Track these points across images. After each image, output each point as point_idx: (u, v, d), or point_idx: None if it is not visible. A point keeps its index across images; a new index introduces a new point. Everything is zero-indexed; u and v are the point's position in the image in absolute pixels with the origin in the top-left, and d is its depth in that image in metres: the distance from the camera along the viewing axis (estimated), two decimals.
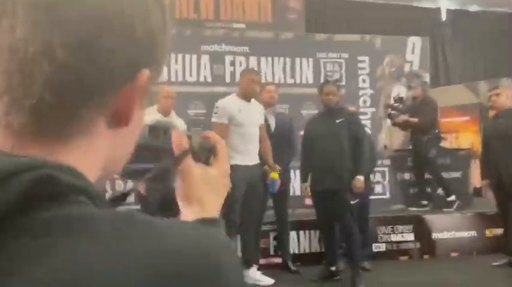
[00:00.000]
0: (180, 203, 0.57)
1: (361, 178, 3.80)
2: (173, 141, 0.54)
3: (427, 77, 6.79)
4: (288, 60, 6.15)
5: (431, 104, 5.41)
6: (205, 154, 0.57)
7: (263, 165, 3.97)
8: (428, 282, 4.07)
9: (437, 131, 5.38)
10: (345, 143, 3.81)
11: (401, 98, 5.49)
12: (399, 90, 6.01)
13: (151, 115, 3.88)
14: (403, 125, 5.43)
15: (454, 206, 5.10)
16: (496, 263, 4.36)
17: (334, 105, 3.91)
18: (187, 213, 0.56)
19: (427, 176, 5.38)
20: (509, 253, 4.36)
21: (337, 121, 3.86)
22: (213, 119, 3.91)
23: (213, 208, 0.57)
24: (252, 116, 3.87)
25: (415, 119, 5.24)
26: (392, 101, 5.66)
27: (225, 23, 6.93)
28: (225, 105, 3.87)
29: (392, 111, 5.40)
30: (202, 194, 0.56)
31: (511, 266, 4.32)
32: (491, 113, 5.47)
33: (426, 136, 5.21)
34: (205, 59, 5.93)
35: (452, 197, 5.13)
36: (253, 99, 3.97)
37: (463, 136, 6.98)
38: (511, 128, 4.07)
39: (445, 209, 5.10)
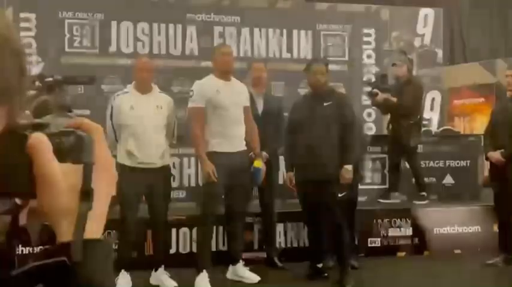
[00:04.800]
0: (50, 221, 0.51)
1: (349, 167, 3.74)
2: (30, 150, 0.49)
3: (439, 53, 6.62)
4: (284, 32, 6.01)
5: (416, 86, 5.21)
6: (74, 149, 0.51)
7: (250, 152, 3.91)
8: (420, 282, 4.04)
9: (419, 117, 5.21)
10: (332, 128, 3.74)
11: (385, 75, 5.30)
12: None
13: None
14: (383, 106, 5.22)
15: (425, 201, 5.08)
16: (490, 262, 4.32)
17: (322, 86, 3.84)
18: (61, 232, 0.50)
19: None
20: (502, 248, 4.32)
21: (325, 104, 3.79)
22: (189, 104, 3.86)
23: (93, 220, 0.51)
24: (233, 97, 3.80)
25: (394, 99, 5.05)
26: (373, 79, 5.47)
27: None
28: (201, 87, 3.80)
29: (374, 90, 5.17)
30: (70, 203, 0.50)
31: (509, 264, 4.28)
32: (510, 94, 5.34)
33: (407, 122, 5.03)
34: (191, 29, 5.81)
35: (424, 193, 5.11)
36: (233, 78, 3.90)
37: (476, 120, 6.86)
38: None
39: (415, 201, 5.09)
